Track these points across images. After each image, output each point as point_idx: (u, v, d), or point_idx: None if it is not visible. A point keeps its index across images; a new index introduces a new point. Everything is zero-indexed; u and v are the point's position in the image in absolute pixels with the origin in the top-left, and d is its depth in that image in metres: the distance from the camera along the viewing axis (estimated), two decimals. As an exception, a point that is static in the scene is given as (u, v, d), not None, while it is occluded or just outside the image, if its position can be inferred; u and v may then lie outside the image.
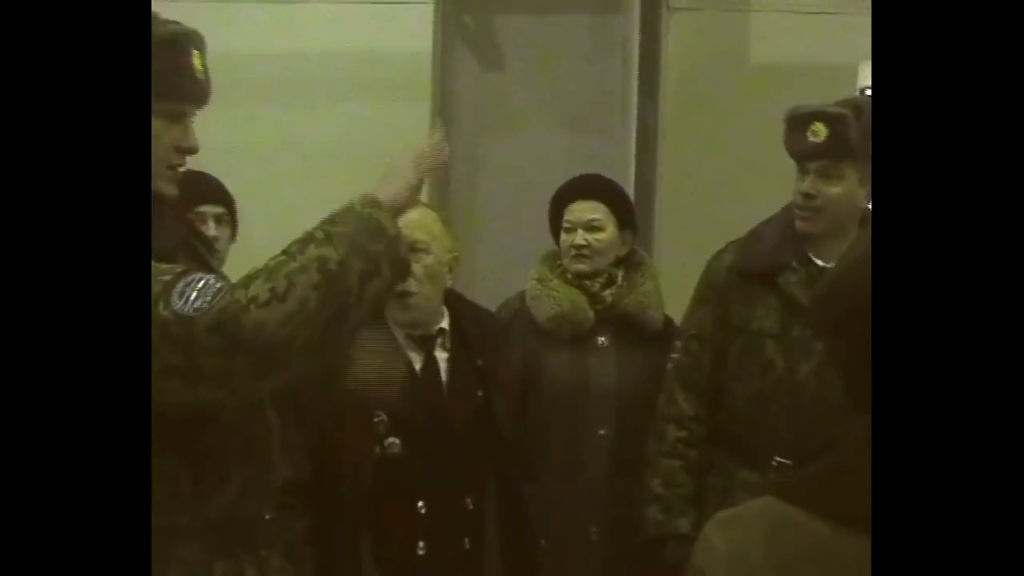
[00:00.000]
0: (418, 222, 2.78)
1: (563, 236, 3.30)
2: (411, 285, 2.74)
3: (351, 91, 4.28)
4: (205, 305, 1.83)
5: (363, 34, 4.26)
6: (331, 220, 1.94)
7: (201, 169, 2.88)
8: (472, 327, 2.89)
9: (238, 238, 3.39)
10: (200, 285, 1.86)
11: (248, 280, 1.88)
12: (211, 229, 3.26)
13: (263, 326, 1.83)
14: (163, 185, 2.08)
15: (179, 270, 1.89)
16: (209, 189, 3.34)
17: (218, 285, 1.86)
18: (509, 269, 3.70)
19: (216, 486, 2.06)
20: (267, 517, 2.18)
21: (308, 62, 4.30)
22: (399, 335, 2.80)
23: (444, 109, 4.02)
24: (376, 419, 2.70)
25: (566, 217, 3.29)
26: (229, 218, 3.36)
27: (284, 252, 1.90)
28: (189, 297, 1.84)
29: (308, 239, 1.91)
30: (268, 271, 1.88)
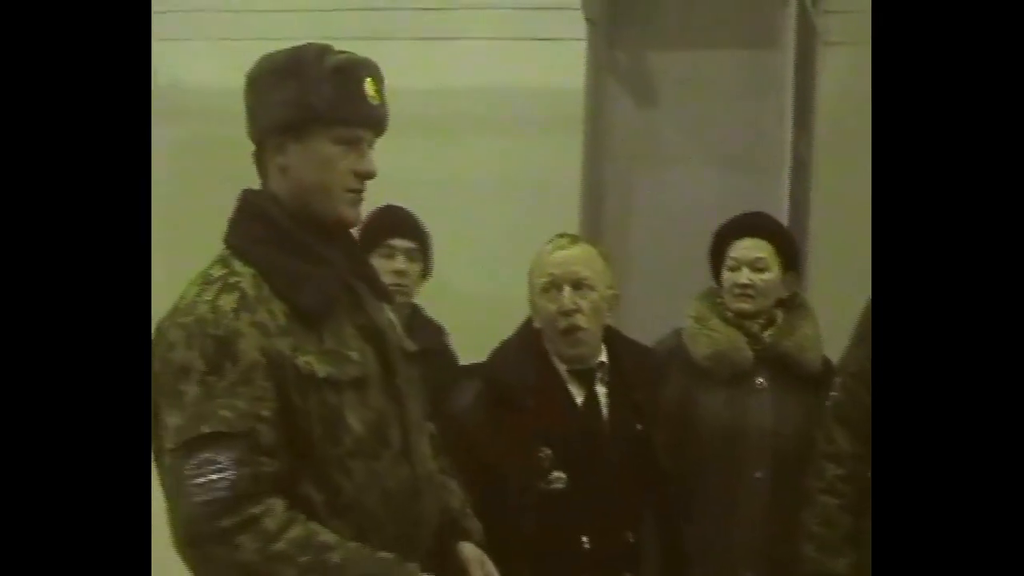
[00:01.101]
0: (582, 258, 2.81)
1: (725, 273, 3.25)
2: (579, 320, 2.76)
3: (504, 127, 4.32)
4: (211, 498, 1.89)
5: (516, 70, 4.31)
6: (362, 556, 1.97)
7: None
8: (630, 361, 2.89)
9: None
10: (216, 474, 1.90)
11: (276, 524, 1.90)
12: (399, 263, 3.32)
13: (231, 560, 1.88)
14: (344, 209, 2.16)
15: (206, 431, 1.91)
16: (401, 223, 3.39)
17: (234, 479, 1.90)
18: (661, 305, 3.68)
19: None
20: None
21: (462, 98, 4.36)
22: (561, 369, 2.82)
23: (596, 145, 4.02)
24: (540, 454, 2.71)
25: (730, 254, 3.24)
26: (420, 253, 3.40)
27: (321, 542, 1.93)
28: (204, 481, 1.90)
29: (336, 545, 1.94)
30: (298, 541, 1.91)
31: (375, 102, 2.15)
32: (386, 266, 3.31)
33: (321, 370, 2.04)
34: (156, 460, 1.97)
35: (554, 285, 2.79)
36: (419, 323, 3.41)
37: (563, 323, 2.78)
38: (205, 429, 1.91)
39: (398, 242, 3.35)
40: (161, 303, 2.10)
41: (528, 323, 2.90)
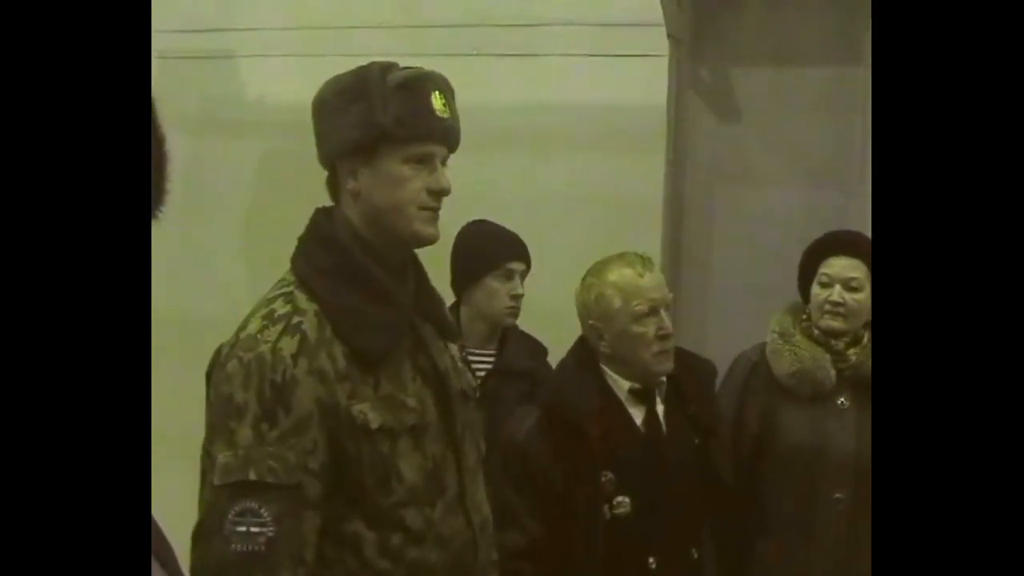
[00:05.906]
0: (663, 278, 2.82)
1: (816, 289, 3.20)
2: (673, 340, 2.77)
3: (587, 143, 4.33)
4: (248, 551, 1.89)
5: (598, 87, 4.31)
6: None
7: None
8: (685, 374, 2.87)
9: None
10: (257, 527, 1.90)
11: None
12: (518, 287, 3.35)
13: None
14: (420, 227, 2.08)
15: (253, 479, 1.91)
16: (519, 247, 3.41)
17: (273, 538, 1.90)
18: (742, 321, 3.66)
19: None
20: None
21: (545, 114, 4.38)
22: (620, 391, 2.80)
23: (678, 160, 4.02)
24: (604, 479, 2.69)
25: (823, 270, 3.19)
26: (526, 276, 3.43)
27: None
28: (245, 531, 1.90)
29: None
30: None
31: (443, 115, 2.08)
32: (505, 288, 3.34)
33: (375, 420, 2.00)
34: (200, 485, 1.98)
35: (653, 311, 2.76)
36: (519, 342, 3.43)
37: (662, 346, 2.75)
38: (252, 476, 1.90)
39: (516, 265, 3.37)
40: (246, 312, 2.13)
41: (582, 344, 2.87)
